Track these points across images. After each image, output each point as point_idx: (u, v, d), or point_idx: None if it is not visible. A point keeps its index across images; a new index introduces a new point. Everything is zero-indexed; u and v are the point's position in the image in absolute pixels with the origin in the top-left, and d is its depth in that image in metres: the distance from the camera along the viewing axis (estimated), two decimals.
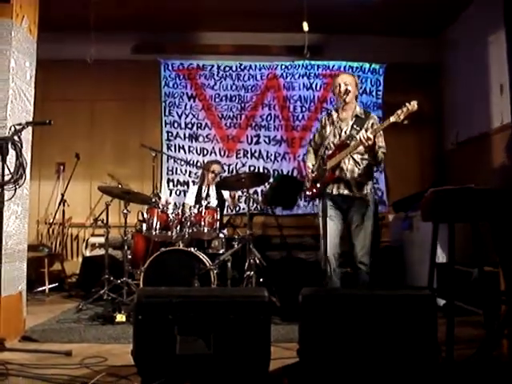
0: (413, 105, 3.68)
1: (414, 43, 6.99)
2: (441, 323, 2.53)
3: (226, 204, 5.91)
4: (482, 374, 2.39)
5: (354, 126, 4.09)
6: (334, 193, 4.07)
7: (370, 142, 3.82)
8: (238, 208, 6.29)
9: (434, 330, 2.44)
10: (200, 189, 5.80)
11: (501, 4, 3.56)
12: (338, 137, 4.19)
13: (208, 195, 5.35)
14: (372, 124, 4.11)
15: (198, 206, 4.94)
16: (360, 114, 4.19)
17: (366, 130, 3.97)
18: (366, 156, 4.11)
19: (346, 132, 4.15)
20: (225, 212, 5.92)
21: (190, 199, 5.72)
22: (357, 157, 4.09)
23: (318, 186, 4.13)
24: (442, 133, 7.17)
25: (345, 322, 2.43)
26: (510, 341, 2.92)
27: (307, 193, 4.28)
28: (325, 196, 3.81)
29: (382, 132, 4.03)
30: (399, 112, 3.73)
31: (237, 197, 5.84)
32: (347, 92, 4.09)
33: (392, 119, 3.76)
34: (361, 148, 3.98)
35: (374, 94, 6.93)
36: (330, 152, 4.13)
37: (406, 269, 5.67)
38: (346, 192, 4.08)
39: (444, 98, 7.16)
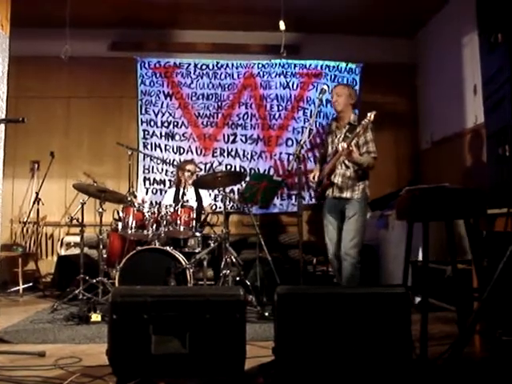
0: (369, 116, 4.05)
1: (389, 43, 7.05)
2: (415, 320, 2.57)
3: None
4: (454, 370, 2.42)
5: (347, 134, 4.41)
6: (330, 196, 4.54)
7: (344, 152, 4.20)
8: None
9: (408, 327, 2.47)
10: (178, 190, 5.78)
11: (474, 6, 3.61)
12: (334, 145, 4.57)
13: (184, 194, 5.32)
14: (364, 130, 4.25)
15: (174, 205, 4.92)
16: (353, 122, 4.48)
17: (358, 137, 4.27)
18: None
19: (339, 140, 4.49)
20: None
21: (168, 202, 5.70)
22: (350, 163, 4.44)
23: (319, 190, 4.67)
24: (417, 132, 7.24)
25: (320, 320, 2.44)
26: (481, 337, 2.97)
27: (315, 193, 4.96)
28: (325, 203, 4.58)
29: (371, 137, 4.41)
30: (363, 123, 4.08)
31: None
32: (337, 102, 4.60)
33: (358, 129, 4.12)
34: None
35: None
36: (328, 159, 4.59)
37: (382, 267, 5.73)
38: (338, 194, 4.49)
39: (419, 97, 7.23)
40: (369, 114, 4.06)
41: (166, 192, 6.37)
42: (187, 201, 5.19)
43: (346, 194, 4.46)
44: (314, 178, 4.73)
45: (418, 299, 4.47)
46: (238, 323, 2.49)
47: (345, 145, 4.17)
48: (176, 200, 5.53)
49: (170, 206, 4.93)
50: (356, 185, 4.47)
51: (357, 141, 4.30)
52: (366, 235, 4.58)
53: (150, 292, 2.54)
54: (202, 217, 5.55)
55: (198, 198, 5.77)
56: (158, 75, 6.92)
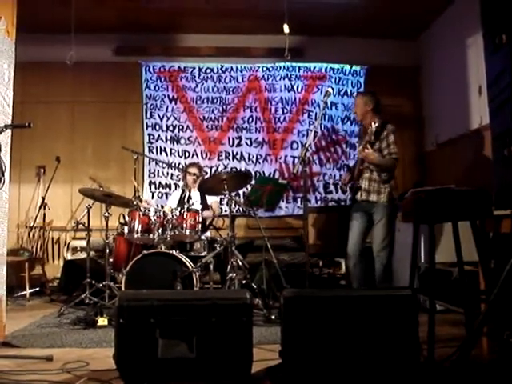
0: (373, 125, 4.38)
1: (393, 45, 7.06)
2: (422, 322, 2.56)
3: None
4: (462, 372, 2.41)
5: (372, 140, 4.53)
6: (359, 199, 4.68)
7: (361, 156, 4.51)
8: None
9: (416, 329, 2.47)
10: (183, 193, 5.79)
11: (478, 7, 3.60)
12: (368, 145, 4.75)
13: (190, 197, 5.32)
14: (386, 134, 4.57)
15: (179, 209, 4.93)
16: (378, 127, 4.53)
17: (381, 141, 4.54)
18: None
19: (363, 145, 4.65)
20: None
21: (173, 204, 5.71)
22: (372, 166, 4.61)
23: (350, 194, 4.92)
24: (422, 134, 7.23)
25: (326, 323, 2.44)
26: (489, 339, 2.96)
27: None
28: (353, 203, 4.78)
29: (393, 140, 4.57)
30: (369, 131, 4.41)
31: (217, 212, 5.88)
32: (356, 113, 4.94)
33: (367, 138, 4.43)
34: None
35: (354, 95, 6.96)
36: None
37: None
38: (366, 197, 4.63)
39: (424, 99, 7.22)
40: (373, 125, 4.37)
41: (171, 195, 6.38)
42: (192, 204, 5.19)
43: (373, 198, 4.60)
44: (345, 181, 4.95)
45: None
46: (245, 326, 2.49)
47: (361, 148, 4.48)
48: (181, 203, 5.53)
49: (176, 209, 4.94)
50: (382, 188, 4.60)
51: (379, 145, 4.55)
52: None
53: (157, 296, 2.54)
54: (208, 220, 5.56)
55: (204, 201, 5.78)
56: (162, 79, 6.95)
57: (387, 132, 4.58)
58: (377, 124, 4.51)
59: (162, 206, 5.13)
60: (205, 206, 5.76)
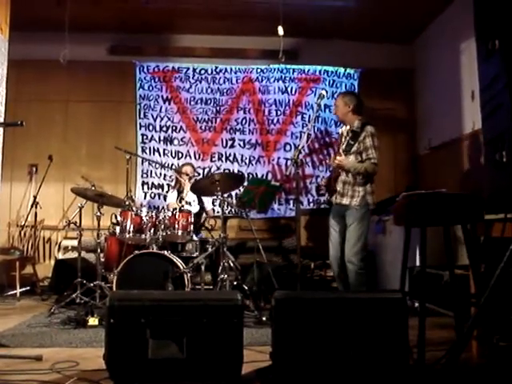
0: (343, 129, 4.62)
1: (388, 49, 7.08)
2: (413, 325, 2.57)
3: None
4: (451, 375, 2.42)
5: (350, 141, 4.53)
6: (334, 201, 4.64)
7: (335, 163, 4.48)
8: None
9: (405, 332, 2.47)
10: (178, 193, 5.79)
11: (472, 12, 3.62)
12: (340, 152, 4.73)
13: (182, 198, 5.32)
14: (364, 137, 4.48)
15: (172, 209, 4.93)
16: (357, 129, 4.53)
17: (359, 143, 4.46)
18: None
19: (343, 147, 4.63)
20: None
21: (172, 200, 5.71)
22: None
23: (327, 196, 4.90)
24: (415, 137, 7.25)
25: (317, 325, 2.45)
26: (479, 343, 2.97)
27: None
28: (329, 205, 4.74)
29: (371, 143, 4.47)
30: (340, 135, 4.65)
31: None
32: (336, 114, 4.85)
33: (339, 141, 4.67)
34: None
35: None
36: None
37: (379, 272, 5.73)
38: (339, 201, 4.58)
39: (417, 103, 7.25)
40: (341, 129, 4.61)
41: (167, 195, 6.36)
42: (189, 203, 5.18)
43: (346, 201, 4.54)
44: (324, 184, 4.89)
45: (417, 304, 4.47)
46: (236, 328, 2.49)
47: (333, 156, 4.53)
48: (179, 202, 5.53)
49: (174, 209, 4.92)
50: (356, 191, 4.53)
51: (358, 147, 4.47)
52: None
53: (148, 296, 2.54)
54: (202, 219, 5.55)
55: (200, 201, 5.76)
56: (156, 79, 6.94)
57: (365, 134, 4.48)
58: (348, 127, 4.56)
59: (155, 207, 5.11)
60: (202, 206, 5.76)
